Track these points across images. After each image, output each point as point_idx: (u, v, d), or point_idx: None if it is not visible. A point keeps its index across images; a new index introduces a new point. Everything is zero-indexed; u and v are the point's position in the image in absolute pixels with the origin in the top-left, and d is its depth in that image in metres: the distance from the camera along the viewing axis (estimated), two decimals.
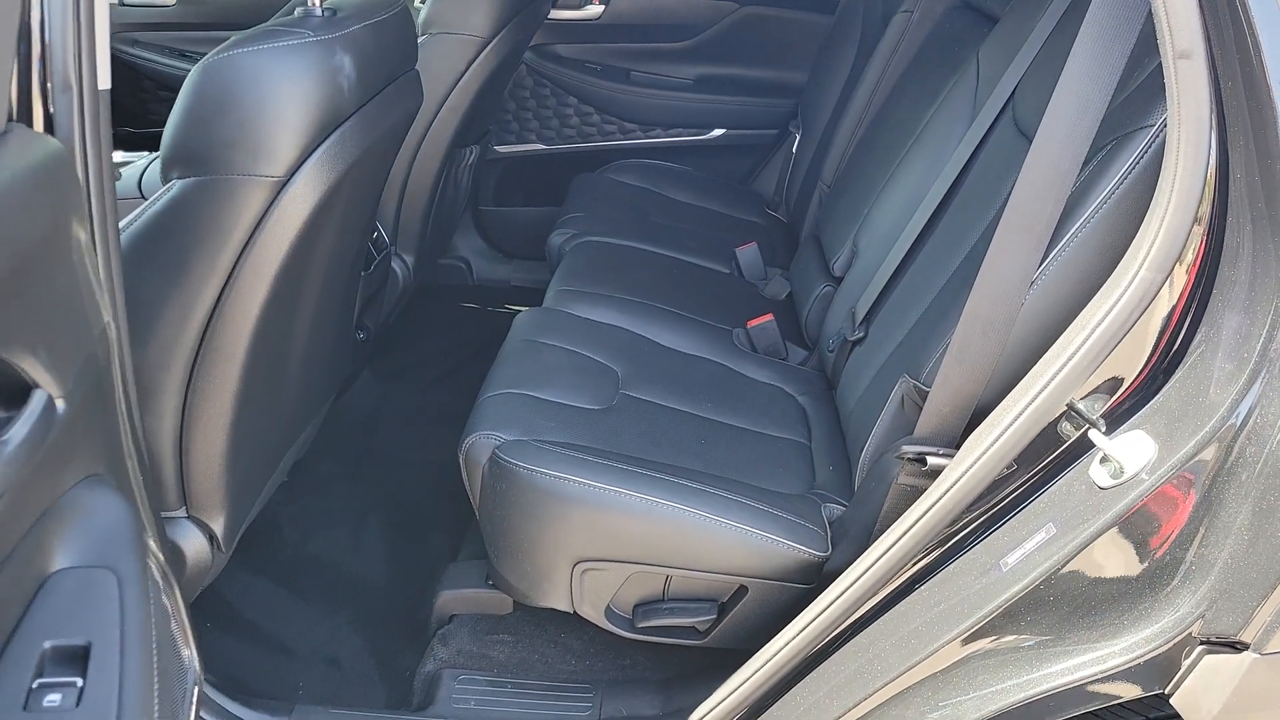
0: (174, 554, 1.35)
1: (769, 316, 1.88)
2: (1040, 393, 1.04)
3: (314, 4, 1.26)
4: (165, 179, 1.18)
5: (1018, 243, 1.12)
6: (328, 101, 1.20)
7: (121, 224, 1.18)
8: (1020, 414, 1.05)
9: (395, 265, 2.24)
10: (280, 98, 1.16)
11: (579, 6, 2.76)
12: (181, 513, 1.36)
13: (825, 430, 1.67)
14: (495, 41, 2.08)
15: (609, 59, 2.82)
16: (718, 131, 2.82)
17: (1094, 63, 1.07)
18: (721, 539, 1.31)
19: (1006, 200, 1.17)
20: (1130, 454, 0.97)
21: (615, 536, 1.32)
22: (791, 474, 1.53)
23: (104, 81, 0.94)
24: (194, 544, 1.36)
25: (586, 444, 1.42)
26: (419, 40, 2.04)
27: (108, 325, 0.84)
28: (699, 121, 2.81)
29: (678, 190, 2.68)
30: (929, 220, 1.58)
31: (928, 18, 1.92)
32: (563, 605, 1.39)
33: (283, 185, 1.19)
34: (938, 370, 1.19)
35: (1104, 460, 1.00)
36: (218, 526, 1.38)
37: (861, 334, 1.65)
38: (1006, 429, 1.05)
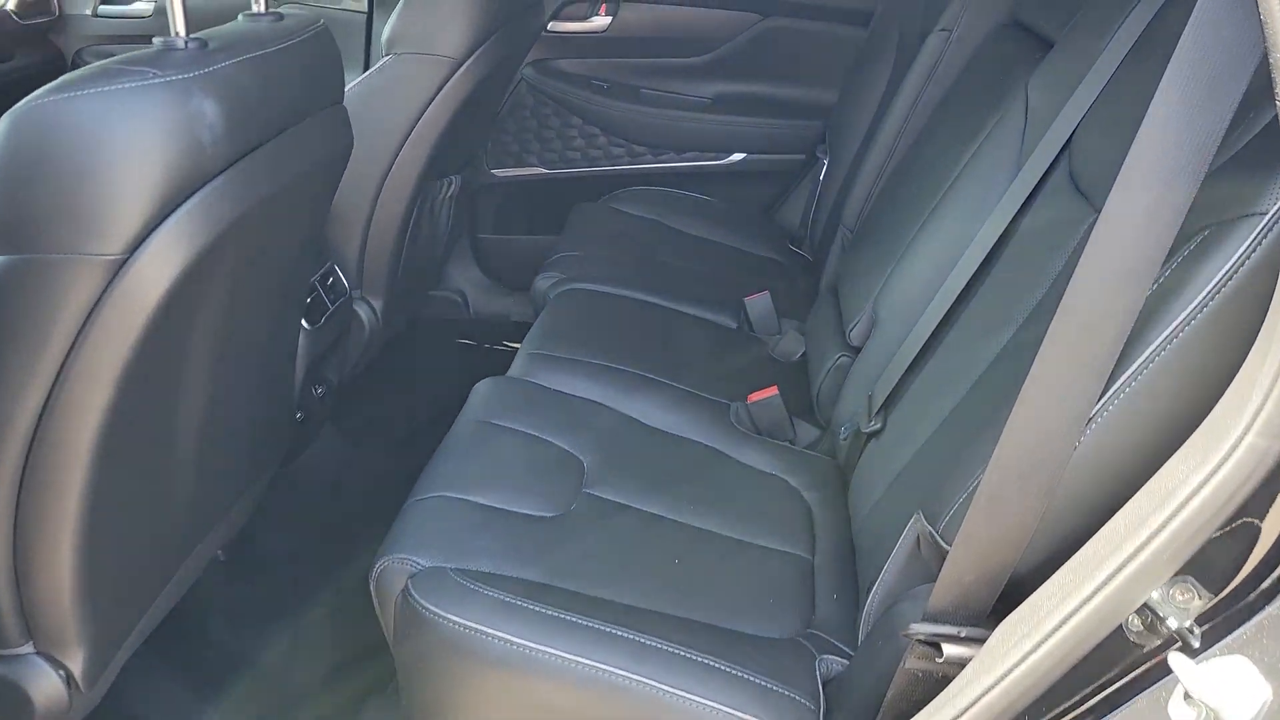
0: (16, 697, 1.11)
1: (773, 390, 1.59)
2: (1103, 586, 0.74)
3: (177, 33, 1.00)
4: None
5: (1072, 361, 0.81)
6: (181, 158, 0.95)
7: None
8: (1075, 611, 0.75)
9: (360, 310, 2.00)
10: (114, 155, 0.91)
11: (584, 18, 2.49)
12: (27, 648, 1.12)
13: (833, 542, 1.38)
14: (470, 63, 1.82)
15: (617, 75, 2.55)
16: (737, 156, 2.53)
17: (1184, 118, 0.76)
18: (684, 716, 1.03)
19: (1057, 281, 0.88)
20: (1228, 695, 0.67)
21: (549, 710, 1.05)
22: (786, 606, 1.24)
23: None
24: (43, 685, 1.13)
25: (522, 574, 1.15)
26: (384, 61, 1.80)
27: None
28: (716, 145, 2.52)
29: (690, 221, 2.40)
30: (962, 291, 1.28)
31: (969, 37, 1.61)
32: None
33: (121, 265, 0.94)
34: (960, 522, 0.89)
35: (1188, 699, 0.70)
36: (75, 664, 1.14)
37: (878, 425, 1.36)
38: (1055, 630, 0.76)
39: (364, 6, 2.54)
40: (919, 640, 0.90)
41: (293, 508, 1.96)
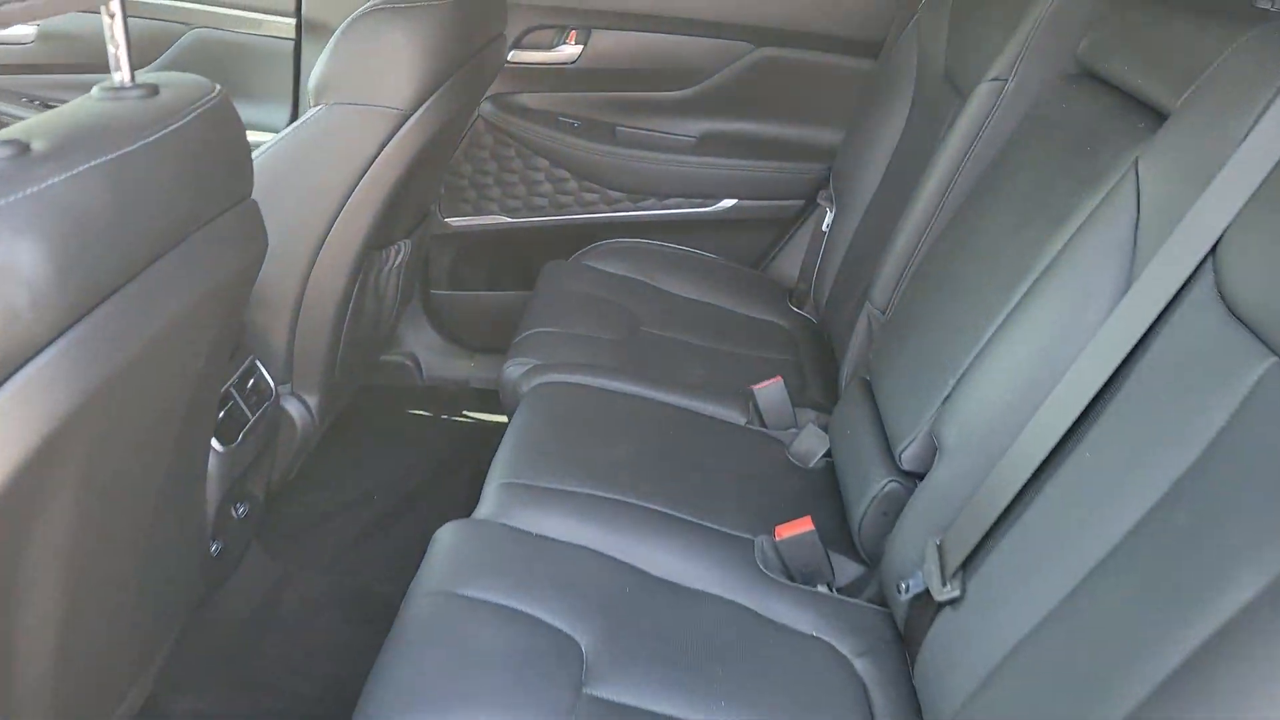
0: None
1: (806, 525, 1.29)
2: None
3: None
4: None
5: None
6: None
7: None
8: None
9: (290, 408, 1.66)
10: None
11: (550, 47, 2.17)
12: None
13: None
14: (420, 114, 1.49)
15: (589, 111, 2.23)
16: (727, 203, 2.23)
17: None
18: None
19: (1220, 442, 0.61)
20: None
21: None
22: None
23: None
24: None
25: None
26: (313, 113, 1.46)
27: None
28: (703, 190, 2.22)
29: (676, 279, 2.09)
30: (1068, 430, 0.99)
31: (1028, 89, 1.33)
32: None
33: None
34: None
35: None
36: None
37: (956, 592, 1.06)
38: None
39: (292, 33, 2.20)
40: None
41: (209, 658, 1.61)
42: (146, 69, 2.30)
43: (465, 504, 2.11)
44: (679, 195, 2.22)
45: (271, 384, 1.57)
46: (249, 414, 1.48)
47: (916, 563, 1.15)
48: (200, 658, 1.60)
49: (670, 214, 2.24)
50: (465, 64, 1.60)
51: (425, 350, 2.44)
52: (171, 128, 0.80)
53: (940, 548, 1.11)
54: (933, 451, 1.21)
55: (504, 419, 1.65)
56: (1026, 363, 1.09)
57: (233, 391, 1.46)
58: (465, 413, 2.44)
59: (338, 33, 1.43)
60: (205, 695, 1.54)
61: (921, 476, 1.25)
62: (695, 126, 2.23)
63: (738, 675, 1.11)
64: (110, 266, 0.72)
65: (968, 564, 1.07)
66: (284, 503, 1.97)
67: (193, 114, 0.84)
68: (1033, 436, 1.03)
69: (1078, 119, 1.21)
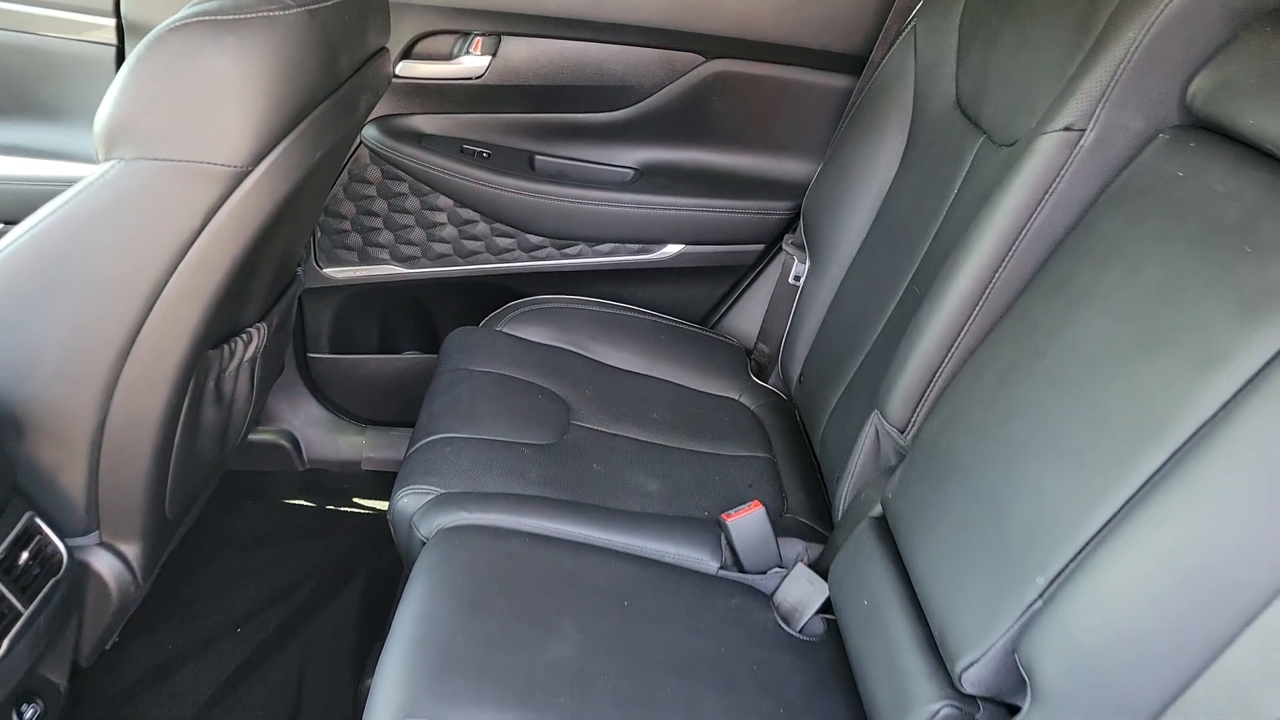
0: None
1: None
2: None
3: None
4: None
5: None
6: None
7: None
8: None
9: (100, 564, 1.21)
10: None
11: (449, 57, 1.73)
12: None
13: None
14: (265, 169, 1.05)
15: (501, 138, 1.80)
16: (672, 249, 1.84)
17: None
18: None
19: None
20: None
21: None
22: None
23: None
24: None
25: None
26: (106, 171, 1.02)
27: None
28: (643, 234, 1.82)
29: (613, 347, 1.70)
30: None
31: (1115, 142, 0.97)
32: None
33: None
34: None
35: None
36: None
37: None
38: None
39: (112, 37, 1.71)
40: None
41: None
42: None
43: (356, 631, 1.70)
44: (613, 240, 1.82)
45: (61, 547, 1.12)
46: (20, 606, 1.03)
47: None
48: None
49: (603, 263, 1.84)
50: (331, 95, 1.16)
51: (305, 426, 1.99)
52: None
53: None
54: (1015, 681, 0.85)
55: None
56: (1187, 578, 0.73)
57: None
58: (357, 500, 2.00)
59: (131, 58, 0.98)
60: None
61: (992, 701, 0.89)
62: (632, 156, 1.83)
63: None
64: None
65: None
66: (107, 659, 1.51)
67: None
68: (1213, 705, 0.68)
69: (1212, 196, 0.86)
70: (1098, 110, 0.98)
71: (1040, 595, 0.82)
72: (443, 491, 1.27)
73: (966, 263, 1.09)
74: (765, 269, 1.88)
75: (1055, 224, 1.03)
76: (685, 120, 1.79)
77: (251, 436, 1.92)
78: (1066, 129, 1.00)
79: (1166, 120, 0.96)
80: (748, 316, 1.91)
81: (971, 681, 0.88)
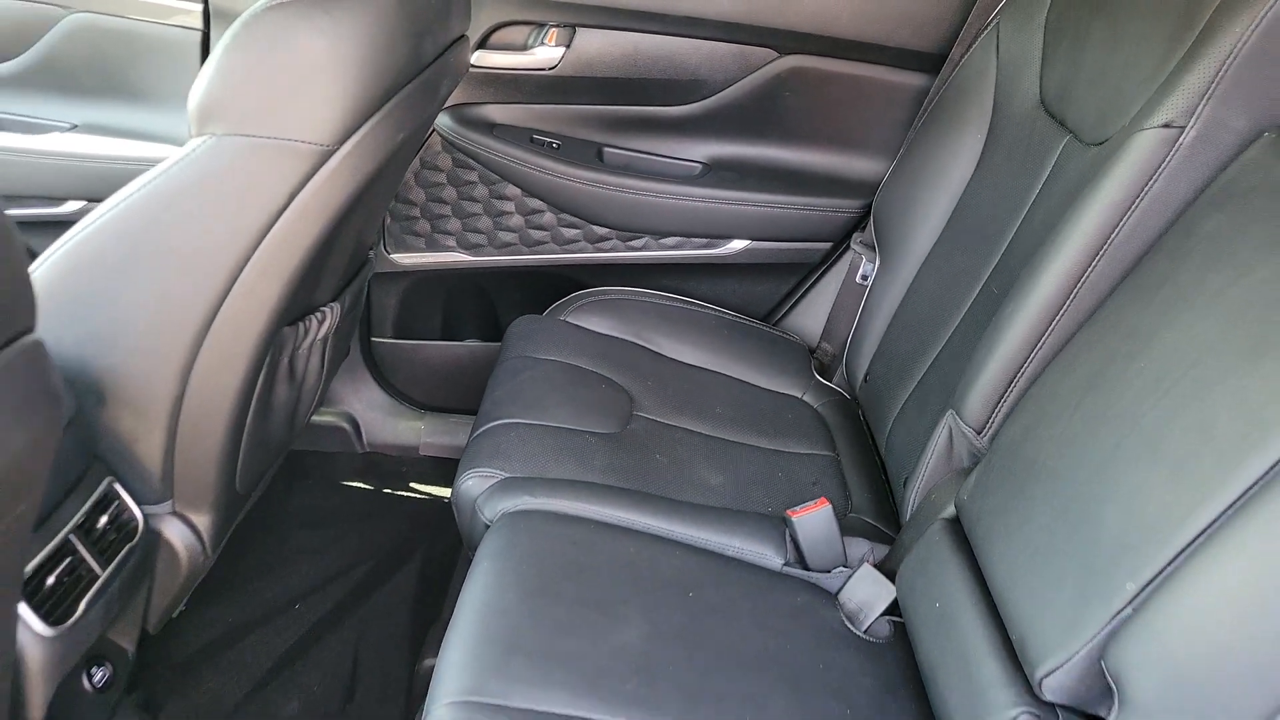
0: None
1: None
2: None
3: None
4: None
5: None
6: None
7: None
8: None
9: (173, 533, 1.23)
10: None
11: (524, 48, 1.74)
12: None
13: None
14: (350, 148, 1.06)
15: (571, 129, 1.81)
16: (738, 244, 1.82)
17: None
18: None
19: None
20: None
21: None
22: None
23: None
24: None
25: None
26: (197, 147, 1.04)
27: None
28: (710, 228, 1.81)
29: (677, 341, 1.70)
30: None
31: (1218, 140, 0.94)
32: None
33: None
34: None
35: None
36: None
37: None
38: None
39: (199, 22, 1.75)
40: None
41: None
42: (8, 65, 1.83)
43: (411, 613, 1.72)
44: (679, 234, 1.82)
45: (138, 514, 1.14)
46: (98, 569, 1.05)
47: None
48: None
49: (668, 256, 1.83)
50: (414, 79, 1.17)
51: (366, 410, 2.02)
52: None
53: None
54: (1101, 688, 0.82)
55: None
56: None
57: (74, 541, 1.03)
58: (414, 485, 2.01)
59: (227, 36, 1.00)
60: None
61: (1072, 710, 0.87)
62: (701, 150, 1.82)
63: None
64: None
65: None
66: (171, 628, 1.54)
67: None
68: None
69: None
70: (1200, 107, 0.95)
71: (1130, 602, 0.80)
72: (507, 476, 1.27)
73: (1053, 262, 1.06)
74: (832, 268, 1.86)
75: (1150, 224, 1.00)
76: (756, 115, 1.77)
77: (314, 418, 1.94)
78: (1165, 125, 0.97)
79: (1273, 119, 0.93)
80: (812, 315, 1.89)
81: (1052, 689, 0.85)
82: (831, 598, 1.20)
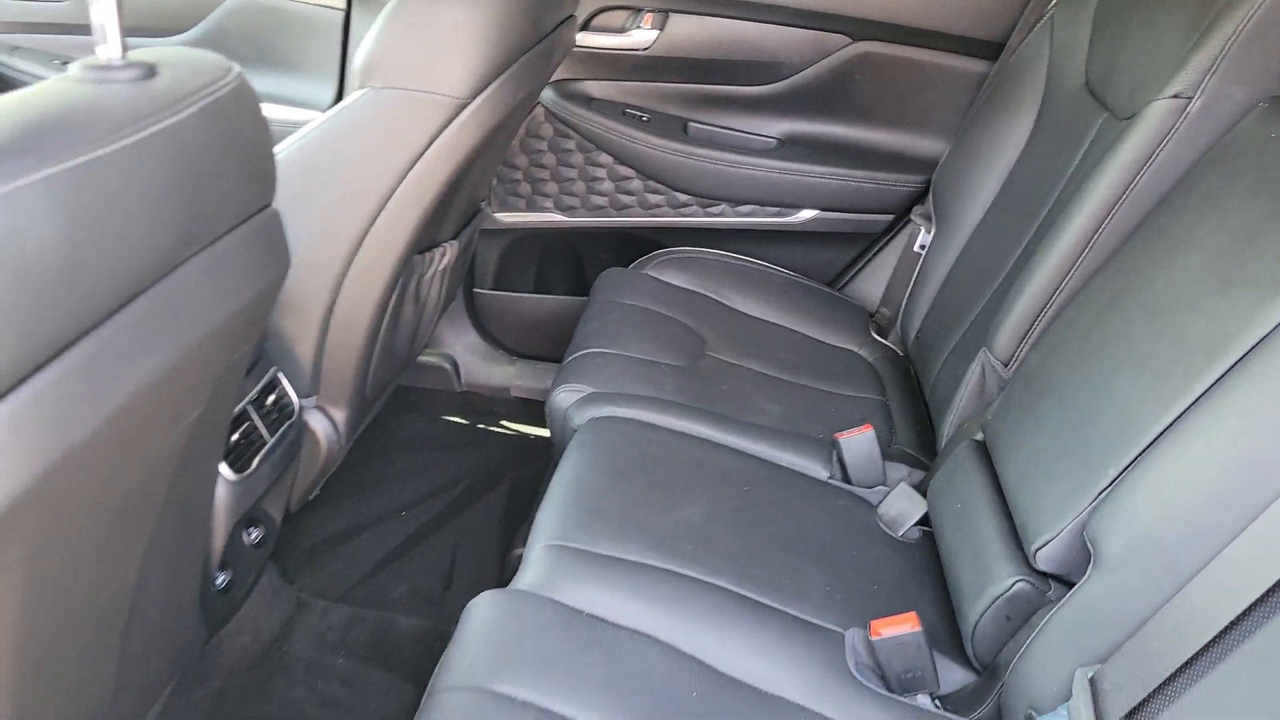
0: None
1: (911, 623, 1.07)
2: None
3: None
4: None
5: None
6: None
7: None
8: None
9: (315, 424, 1.47)
10: None
11: (622, 30, 1.95)
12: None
13: None
14: (480, 102, 1.29)
15: (660, 104, 2.01)
16: (807, 214, 2.01)
17: None
18: None
19: None
20: None
21: None
22: None
23: None
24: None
25: None
26: (358, 97, 1.27)
27: None
28: (781, 198, 1.99)
29: (746, 296, 1.88)
30: None
31: (1221, 113, 1.09)
32: None
33: None
34: None
35: None
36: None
37: None
38: None
39: (343, 3, 2.00)
40: None
41: (214, 708, 1.44)
42: (180, 37, 2.12)
43: (500, 526, 1.96)
44: (754, 202, 2.01)
45: (295, 399, 1.39)
46: (267, 435, 1.30)
47: (1058, 694, 0.94)
48: (202, 705, 1.43)
49: (742, 222, 2.03)
50: (532, 48, 1.39)
51: (465, 353, 2.25)
52: (163, 124, 0.61)
53: (1094, 683, 0.90)
54: (1083, 556, 0.99)
55: (545, 433, 1.45)
56: (1232, 463, 0.86)
57: (250, 410, 1.27)
58: (504, 423, 2.25)
59: (390, 6, 1.23)
60: None
61: (1060, 580, 1.04)
62: (777, 127, 2.01)
63: None
64: (65, 312, 0.53)
65: (1136, 713, 0.85)
66: (302, 521, 1.79)
67: (194, 105, 0.64)
68: (1243, 563, 0.81)
69: None
70: (1205, 80, 1.10)
71: (1111, 483, 0.97)
72: (594, 390, 1.48)
73: (1076, 216, 1.22)
74: (893, 239, 2.03)
75: (1160, 182, 1.15)
76: (828, 96, 1.95)
77: (421, 358, 2.19)
78: (1175, 96, 1.13)
79: (1267, 90, 1.08)
80: (872, 281, 2.05)
81: (1045, 559, 1.02)
82: (870, 507, 1.38)
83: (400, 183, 1.31)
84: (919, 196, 1.95)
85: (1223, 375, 0.90)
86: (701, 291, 1.87)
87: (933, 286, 1.76)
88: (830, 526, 1.29)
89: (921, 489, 1.40)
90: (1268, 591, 0.77)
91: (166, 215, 0.61)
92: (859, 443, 1.42)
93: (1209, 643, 0.80)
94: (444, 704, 0.93)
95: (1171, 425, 0.93)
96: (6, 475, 0.51)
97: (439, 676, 0.97)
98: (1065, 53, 1.58)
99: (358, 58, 1.26)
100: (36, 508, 0.55)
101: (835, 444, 1.43)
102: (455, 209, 1.55)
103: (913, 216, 1.93)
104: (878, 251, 2.05)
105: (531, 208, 2.08)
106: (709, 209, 2.03)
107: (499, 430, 2.24)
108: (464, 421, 2.24)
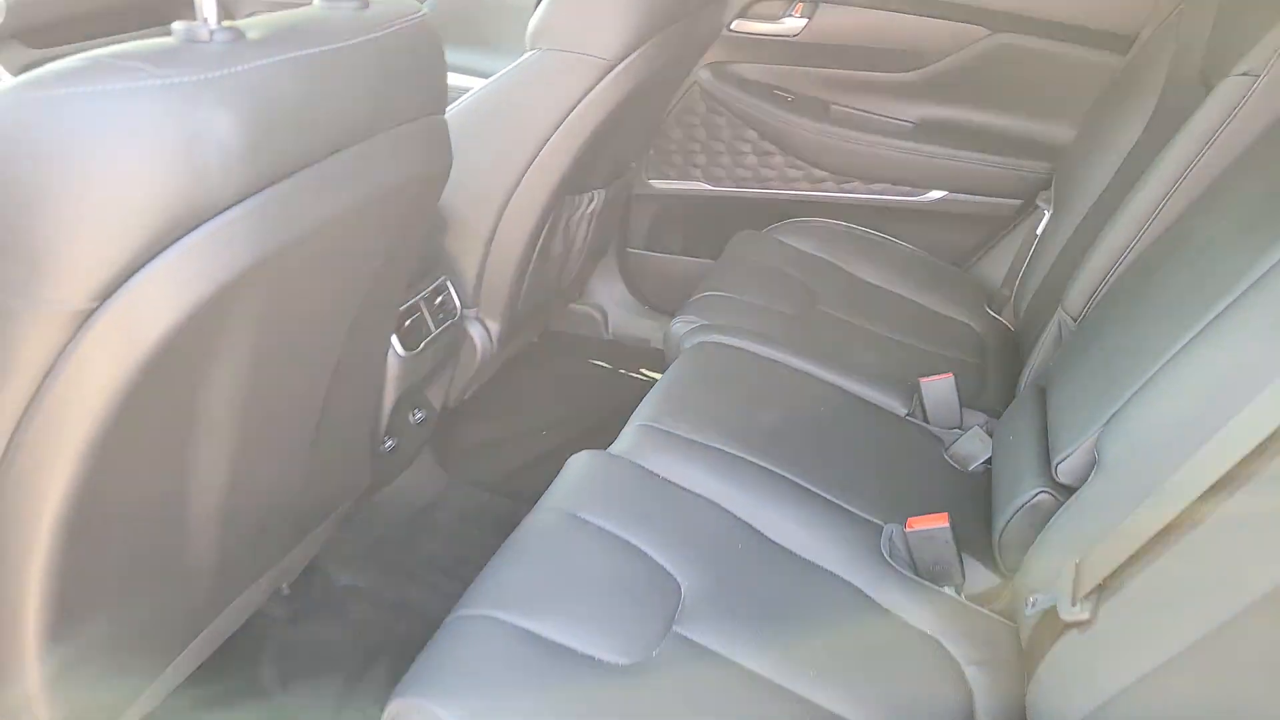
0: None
1: (941, 520, 1.23)
2: None
3: (205, 17, 0.77)
4: None
5: None
6: (173, 190, 0.72)
7: None
8: None
9: (473, 331, 1.77)
10: (83, 180, 0.69)
11: (775, 18, 2.16)
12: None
13: None
14: (624, 66, 1.54)
15: (806, 87, 2.20)
16: (936, 194, 2.14)
17: None
18: None
19: None
20: None
21: None
22: None
23: None
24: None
25: None
26: (527, 57, 1.55)
27: None
28: (913, 178, 2.13)
29: (868, 265, 2.04)
30: (1244, 462, 0.88)
31: None
32: None
33: (88, 316, 0.73)
34: None
35: None
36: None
37: (1085, 615, 0.98)
38: None
39: None
40: None
41: (371, 542, 1.77)
42: None
43: None
44: (886, 181, 2.16)
45: (458, 304, 1.69)
46: (433, 326, 1.60)
47: (1051, 579, 1.08)
48: (364, 541, 1.76)
49: (873, 198, 2.18)
50: (677, 21, 1.63)
51: (613, 305, 2.52)
52: (369, 37, 0.89)
53: (1078, 567, 1.03)
54: (1091, 466, 1.12)
55: None
56: (1212, 384, 0.98)
57: (421, 304, 1.58)
58: (643, 370, 2.50)
59: None
60: (361, 574, 1.70)
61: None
62: (913, 111, 2.15)
63: (836, 651, 1.09)
64: (295, 148, 0.81)
65: (1105, 589, 0.98)
66: (460, 421, 2.11)
67: (391, 29, 0.93)
68: (1199, 464, 0.93)
69: None
70: (1272, 59, 1.19)
71: (1123, 403, 1.09)
72: (706, 323, 1.70)
73: (1146, 185, 1.33)
74: (1019, 225, 2.12)
75: (1224, 155, 1.25)
76: (964, 83, 2.07)
77: (573, 306, 2.48)
78: (1244, 74, 1.22)
79: None
80: (997, 265, 2.15)
81: (1065, 472, 1.15)
82: (941, 444, 1.52)
83: (554, 131, 1.58)
84: (1045, 183, 2.04)
85: (1227, 307, 1.01)
86: (824, 256, 2.05)
87: (1044, 265, 1.85)
88: (895, 449, 1.45)
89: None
90: (1212, 487, 0.89)
91: (365, 98, 0.89)
92: (940, 387, 1.56)
93: (1166, 530, 0.93)
94: (538, 519, 1.18)
95: (1179, 352, 1.04)
96: (252, 245, 0.79)
97: (539, 502, 1.22)
98: (1188, 46, 1.65)
99: (531, 23, 1.54)
100: (265, 279, 0.84)
101: (919, 387, 1.58)
102: (603, 161, 1.81)
103: (1038, 202, 2.02)
104: (1004, 237, 2.15)
105: (682, 176, 2.32)
106: (843, 185, 2.20)
107: (638, 376, 2.49)
108: (608, 366, 2.51)
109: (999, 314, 2.00)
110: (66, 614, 0.89)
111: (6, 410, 0.76)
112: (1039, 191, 2.05)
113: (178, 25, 0.76)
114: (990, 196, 2.10)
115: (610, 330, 2.53)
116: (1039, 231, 1.98)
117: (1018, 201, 2.09)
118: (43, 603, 0.86)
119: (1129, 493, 1.01)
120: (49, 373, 0.74)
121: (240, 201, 0.77)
